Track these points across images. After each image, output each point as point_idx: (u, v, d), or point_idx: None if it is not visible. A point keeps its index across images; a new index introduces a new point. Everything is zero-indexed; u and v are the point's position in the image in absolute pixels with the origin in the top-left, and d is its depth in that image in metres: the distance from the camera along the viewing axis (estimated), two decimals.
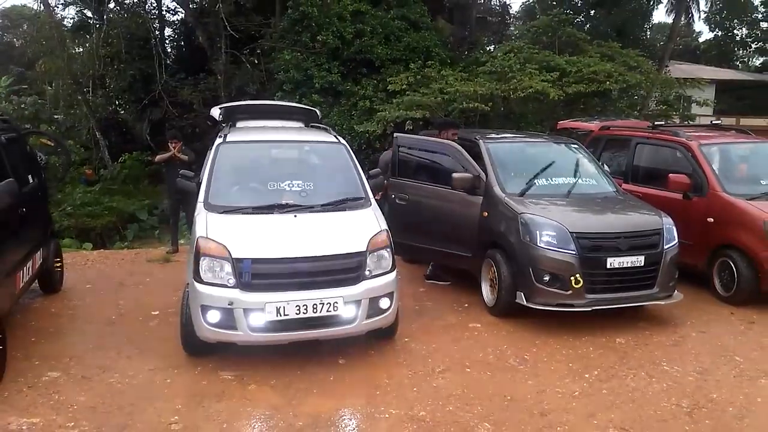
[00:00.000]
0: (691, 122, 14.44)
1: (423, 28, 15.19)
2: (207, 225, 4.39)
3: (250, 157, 5.28)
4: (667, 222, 5.35)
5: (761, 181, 6.32)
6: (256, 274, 4.15)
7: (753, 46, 29.65)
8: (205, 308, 4.15)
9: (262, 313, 4.10)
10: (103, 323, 5.37)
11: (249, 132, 5.69)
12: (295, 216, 4.56)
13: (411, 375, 4.32)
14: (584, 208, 5.51)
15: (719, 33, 29.53)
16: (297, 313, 4.14)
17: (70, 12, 17.64)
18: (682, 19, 21.83)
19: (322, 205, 4.75)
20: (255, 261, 4.16)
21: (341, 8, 14.13)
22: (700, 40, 30.92)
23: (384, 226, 4.65)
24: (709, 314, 5.61)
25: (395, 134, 6.88)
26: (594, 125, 8.23)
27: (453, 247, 6.00)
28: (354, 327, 4.32)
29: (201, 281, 4.18)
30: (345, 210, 4.78)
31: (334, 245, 4.36)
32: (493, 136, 6.47)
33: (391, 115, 12.03)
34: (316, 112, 6.57)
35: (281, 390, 4.06)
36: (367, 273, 4.36)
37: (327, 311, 4.20)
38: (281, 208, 4.65)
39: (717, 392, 4.06)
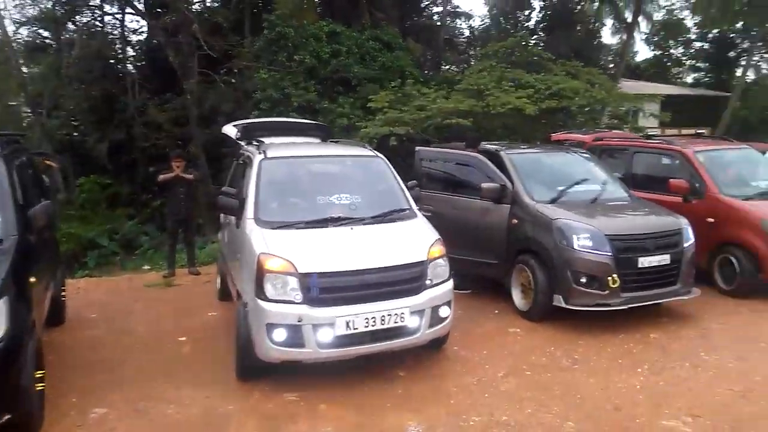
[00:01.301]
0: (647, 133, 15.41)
1: (396, 49, 15.70)
2: (266, 241, 4.37)
3: (295, 173, 5.28)
4: (685, 222, 5.74)
5: (751, 183, 6.89)
6: (324, 288, 4.16)
7: (687, 63, 31.86)
8: (271, 326, 4.11)
9: (331, 328, 4.10)
10: (130, 352, 5.15)
11: (285, 148, 5.69)
12: (352, 228, 4.62)
13: (476, 382, 4.43)
14: (610, 212, 5.83)
15: (657, 52, 31.60)
16: (366, 326, 4.17)
17: (25, 32, 16.92)
18: (625, 39, 23.29)
19: (373, 217, 4.81)
20: (322, 275, 4.17)
21: (317, 29, 14.35)
22: (637, 59, 33.00)
23: (437, 235, 4.78)
24: (720, 307, 6.03)
25: (417, 148, 7.05)
26: (587, 137, 8.68)
27: (479, 255, 6.18)
28: (418, 337, 4.40)
29: (266, 299, 4.14)
30: (395, 221, 4.87)
31: (397, 255, 4.43)
32: (513, 147, 6.74)
33: (374, 131, 12.23)
34: (328, 128, 6.66)
35: (354, 408, 4.04)
36: (428, 282, 4.46)
37: (394, 322, 4.26)
38: (335, 221, 4.68)
39: (758, 375, 4.40)
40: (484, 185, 5.98)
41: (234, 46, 14.74)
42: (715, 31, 27.34)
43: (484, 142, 6.81)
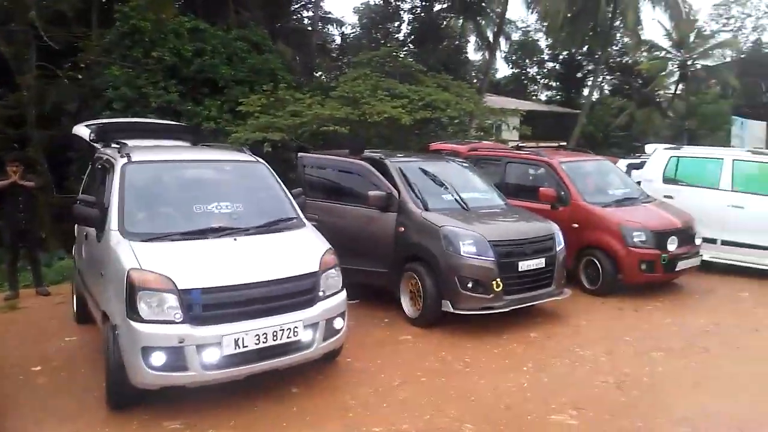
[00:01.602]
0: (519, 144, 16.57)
1: (266, 51, 15.24)
2: (136, 255, 3.92)
3: (165, 179, 4.82)
4: (556, 228, 6.15)
5: (608, 192, 7.60)
6: (208, 305, 3.83)
7: (541, 82, 35.02)
8: (147, 350, 3.69)
9: (217, 348, 3.78)
10: None
11: (152, 151, 5.19)
12: (235, 240, 4.31)
13: (373, 392, 4.33)
14: (491, 219, 6.08)
15: (515, 70, 34.36)
16: (257, 343, 3.90)
17: None
18: (487, 56, 25.07)
19: (258, 227, 4.54)
20: (206, 291, 3.83)
21: (178, 24, 13.48)
22: (498, 75, 35.71)
23: (328, 245, 4.63)
24: (586, 305, 6.54)
25: (299, 154, 6.82)
26: (463, 147, 9.05)
27: (368, 264, 6.12)
28: (312, 351, 4.20)
29: (140, 319, 3.72)
30: (283, 231, 4.64)
31: (288, 267, 4.21)
32: (396, 156, 6.78)
33: (245, 136, 11.75)
34: (200, 130, 6.24)
35: (246, 430, 3.77)
36: (321, 294, 4.29)
37: (287, 337, 4.03)
38: (216, 232, 4.34)
39: (627, 367, 4.80)
40: (371, 193, 5.94)
41: (80, 38, 13.28)
42: (564, 53, 30.31)
43: (367, 150, 6.79)
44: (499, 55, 29.91)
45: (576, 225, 7.07)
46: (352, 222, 6.30)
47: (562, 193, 7.29)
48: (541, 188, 7.30)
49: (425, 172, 6.57)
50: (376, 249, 6.09)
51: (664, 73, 30.23)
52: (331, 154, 7.10)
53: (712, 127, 29.94)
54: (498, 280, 5.38)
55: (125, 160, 4.63)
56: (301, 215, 4.94)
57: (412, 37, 23.53)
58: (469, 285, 5.39)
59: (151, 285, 3.75)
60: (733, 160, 8.12)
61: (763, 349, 5.33)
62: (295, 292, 4.15)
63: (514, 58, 32.92)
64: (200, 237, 4.27)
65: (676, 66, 29.90)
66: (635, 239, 6.68)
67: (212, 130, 12.73)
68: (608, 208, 7.09)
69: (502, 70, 37.10)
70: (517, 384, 4.46)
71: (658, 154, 9.02)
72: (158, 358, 3.68)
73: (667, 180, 8.73)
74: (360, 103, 13.24)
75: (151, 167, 4.82)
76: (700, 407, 4.12)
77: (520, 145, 8.42)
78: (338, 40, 23.85)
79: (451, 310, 5.45)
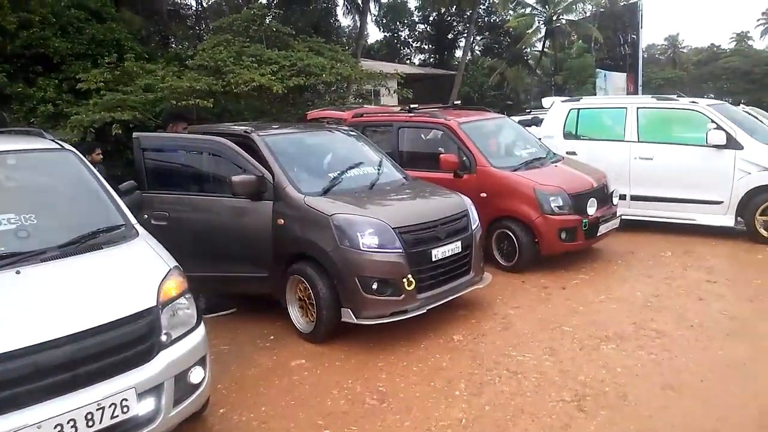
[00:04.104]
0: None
1: (108, 19, 13.11)
2: None
3: None
4: (468, 202, 5.11)
5: (515, 153, 6.74)
6: None
7: (413, 45, 34.42)
8: None
9: None
10: None
11: None
12: (18, 272, 2.75)
13: None
14: (391, 199, 4.88)
15: (387, 34, 33.39)
16: None
17: None
18: (358, 20, 23.81)
19: (61, 248, 2.99)
20: None
21: None
22: (370, 41, 34.53)
23: (173, 262, 3.19)
24: (507, 287, 5.62)
25: (135, 135, 5.14)
26: (346, 114, 7.79)
27: (243, 268, 4.77)
28: (157, 426, 2.80)
29: None
30: (101, 248, 3.11)
31: (106, 308, 2.74)
32: (266, 128, 5.33)
33: (88, 118, 9.82)
34: (2, 114, 4.43)
35: None
36: (164, 339, 2.87)
37: (113, 417, 2.60)
38: None
39: (581, 373, 3.84)
40: (235, 178, 4.52)
41: None
42: (434, 14, 29.80)
43: (231, 124, 5.30)
44: (370, 19, 28.77)
45: (484, 194, 6.13)
46: (217, 217, 4.84)
47: (465, 158, 6.31)
48: (441, 155, 6.27)
49: (305, 146, 5.25)
50: (251, 249, 4.71)
51: (531, 30, 30.86)
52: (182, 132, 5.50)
53: (578, 80, 31.31)
54: (409, 276, 4.24)
55: None
56: (132, 221, 3.44)
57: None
58: (374, 286, 4.20)
59: None
60: (637, 108, 7.57)
61: (719, 323, 4.60)
62: (120, 345, 2.70)
63: (384, 21, 31.93)
64: None
65: (541, 22, 30.60)
66: (552, 205, 5.86)
67: (51, 114, 10.82)
68: (518, 172, 6.21)
69: (373, 34, 36.15)
70: (452, 420, 3.35)
71: (556, 108, 8.35)
72: None
73: (568, 135, 8.10)
74: (223, 72, 11.66)
75: None
76: (686, 423, 3.27)
77: (411, 107, 7.23)
78: (193, 4, 21.26)
79: (354, 320, 4.24)
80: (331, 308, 4.31)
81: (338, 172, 4.91)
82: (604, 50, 28.92)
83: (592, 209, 6.00)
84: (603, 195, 6.32)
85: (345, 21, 27.72)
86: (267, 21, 14.93)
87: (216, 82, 11.28)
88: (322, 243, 4.30)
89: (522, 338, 4.45)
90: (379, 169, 5.31)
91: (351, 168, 5.09)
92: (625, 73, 23.46)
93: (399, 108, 7.28)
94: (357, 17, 23.41)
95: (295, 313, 4.65)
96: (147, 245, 3.29)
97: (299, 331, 4.61)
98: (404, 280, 4.22)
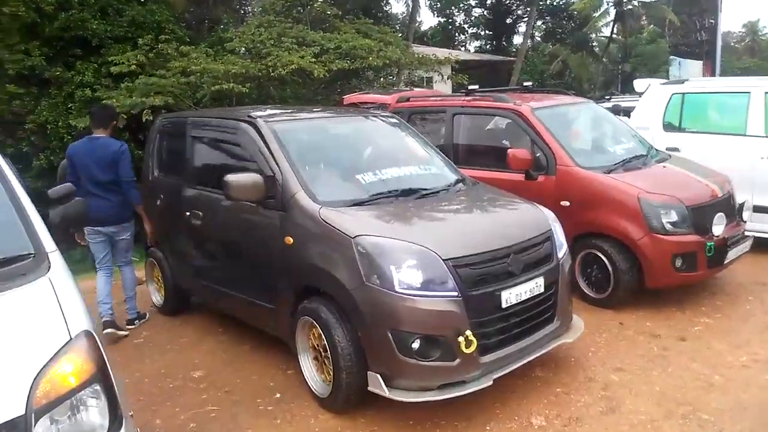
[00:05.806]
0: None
1: (149, 1, 12.38)
2: None
3: None
4: (552, 217, 3.68)
5: (607, 149, 5.21)
6: None
7: (469, 30, 32.57)
8: None
9: None
10: None
11: None
12: None
13: None
14: (442, 213, 3.50)
15: (441, 19, 31.73)
16: None
17: None
18: (410, 4, 22.44)
19: None
20: None
21: None
22: (423, 28, 33.02)
23: (84, 321, 1.94)
24: (599, 331, 4.15)
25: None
26: (389, 97, 6.47)
27: (247, 290, 3.63)
28: None
29: None
30: None
31: None
32: (274, 113, 4.03)
33: (121, 103, 9.15)
34: None
35: None
36: None
37: None
38: None
39: None
40: (230, 178, 3.29)
41: None
42: None
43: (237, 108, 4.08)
44: (423, 3, 27.15)
45: (566, 203, 4.66)
46: (226, 220, 3.74)
47: (540, 155, 4.85)
48: (508, 149, 4.83)
49: (326, 137, 3.95)
50: (255, 268, 3.50)
51: (599, 13, 28.49)
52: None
53: (650, 68, 28.79)
54: (468, 332, 2.87)
55: None
56: (48, 247, 2.22)
57: None
58: (415, 346, 2.85)
59: None
60: (765, 93, 5.87)
61: None
62: None
63: (438, 5, 30.29)
64: None
65: (610, 4, 28.18)
66: (664, 221, 4.30)
67: (90, 99, 10.27)
68: (613, 174, 4.68)
69: (427, 21, 34.56)
70: None
71: (653, 92, 6.69)
72: None
73: (668, 127, 6.44)
74: (262, 55, 10.63)
75: None
76: None
77: (470, 88, 5.78)
78: None
79: (386, 393, 2.91)
80: (354, 369, 3.00)
81: (370, 173, 3.55)
82: (679, 35, 26.64)
83: (719, 228, 4.40)
84: (729, 208, 4.71)
85: (397, 7, 26.42)
86: (312, 2, 13.86)
87: (254, 66, 10.26)
88: (341, 276, 2.98)
89: (638, 430, 2.98)
90: (425, 169, 3.93)
91: (388, 168, 3.71)
92: (701, 61, 21.70)
93: (468, 89, 5.82)
94: (410, 2, 22.00)
95: (307, 366, 3.38)
96: (51, 290, 2.05)
97: (314, 391, 3.34)
98: (460, 338, 2.84)
